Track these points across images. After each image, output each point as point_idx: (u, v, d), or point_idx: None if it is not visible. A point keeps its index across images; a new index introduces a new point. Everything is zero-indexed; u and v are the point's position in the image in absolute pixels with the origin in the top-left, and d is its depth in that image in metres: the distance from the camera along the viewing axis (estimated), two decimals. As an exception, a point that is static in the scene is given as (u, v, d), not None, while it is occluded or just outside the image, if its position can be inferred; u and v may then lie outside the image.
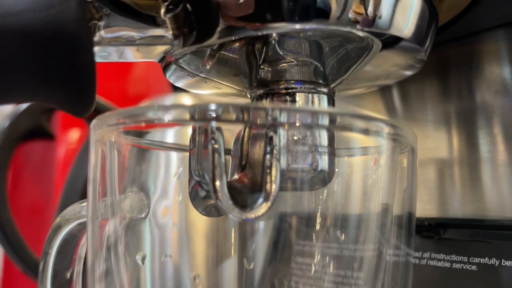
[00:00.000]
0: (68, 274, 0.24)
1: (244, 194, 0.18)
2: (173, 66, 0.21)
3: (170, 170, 0.24)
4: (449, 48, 0.27)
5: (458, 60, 0.27)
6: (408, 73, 0.22)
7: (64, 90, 0.14)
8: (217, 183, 0.17)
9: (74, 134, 0.66)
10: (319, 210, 0.22)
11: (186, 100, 0.44)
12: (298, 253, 0.24)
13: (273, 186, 0.17)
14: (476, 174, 0.25)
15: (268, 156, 0.18)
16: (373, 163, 0.20)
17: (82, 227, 0.23)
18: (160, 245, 0.24)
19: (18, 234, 0.44)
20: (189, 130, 0.20)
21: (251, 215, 0.17)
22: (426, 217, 0.24)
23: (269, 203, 0.17)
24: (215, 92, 0.25)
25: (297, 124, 0.17)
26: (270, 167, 0.18)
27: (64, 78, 0.14)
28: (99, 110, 0.19)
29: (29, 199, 0.69)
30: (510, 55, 0.25)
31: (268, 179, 0.17)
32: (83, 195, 0.29)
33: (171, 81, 0.23)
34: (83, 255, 0.24)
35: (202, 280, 0.24)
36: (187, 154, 0.21)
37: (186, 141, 0.21)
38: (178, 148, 0.25)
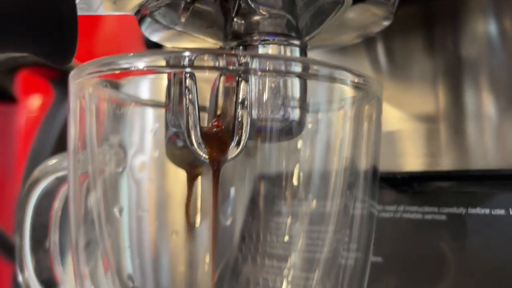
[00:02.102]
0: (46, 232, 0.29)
1: (216, 140, 0.23)
2: (148, 19, 0.25)
3: (146, 126, 0.29)
4: (434, 2, 0.32)
5: (443, 14, 0.32)
6: (385, 23, 0.27)
7: (49, 38, 0.19)
8: (191, 130, 0.22)
9: (35, 101, 0.70)
10: (295, 166, 0.27)
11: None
12: (273, 210, 0.29)
13: (243, 134, 0.22)
14: (461, 128, 0.30)
15: (239, 105, 0.22)
16: (343, 115, 0.25)
17: (59, 181, 0.27)
18: (137, 200, 0.29)
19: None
20: (164, 83, 0.25)
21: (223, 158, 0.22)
22: (399, 171, 0.29)
23: (240, 148, 0.22)
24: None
25: (267, 71, 0.22)
26: (242, 115, 0.22)
27: (49, 27, 0.19)
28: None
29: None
30: (495, 9, 0.30)
31: (239, 126, 0.22)
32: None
33: (147, 34, 0.28)
34: (60, 211, 0.29)
35: (180, 235, 0.29)
36: (163, 110, 0.25)
37: (161, 95, 0.25)
38: (154, 104, 0.29)
